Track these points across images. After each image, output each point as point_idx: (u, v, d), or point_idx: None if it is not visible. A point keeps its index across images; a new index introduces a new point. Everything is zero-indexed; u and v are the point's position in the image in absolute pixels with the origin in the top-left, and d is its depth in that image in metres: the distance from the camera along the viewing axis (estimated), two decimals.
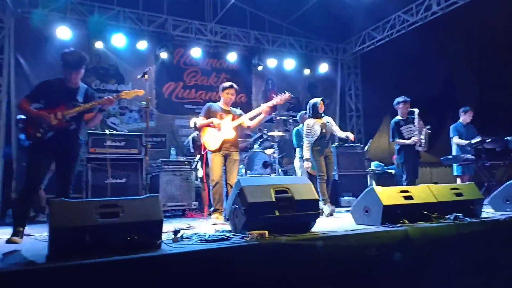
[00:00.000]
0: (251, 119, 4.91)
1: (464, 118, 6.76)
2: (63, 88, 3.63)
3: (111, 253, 2.37)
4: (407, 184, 5.61)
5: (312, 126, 5.43)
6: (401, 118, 6.04)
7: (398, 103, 6.05)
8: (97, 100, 3.70)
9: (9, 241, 3.06)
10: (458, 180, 6.64)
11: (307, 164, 5.44)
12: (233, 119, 4.84)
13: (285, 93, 4.90)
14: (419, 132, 5.78)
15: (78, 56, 3.71)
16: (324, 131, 5.40)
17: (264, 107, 4.77)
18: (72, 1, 7.90)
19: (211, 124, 4.76)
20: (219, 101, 5.05)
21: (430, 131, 5.88)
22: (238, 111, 5.07)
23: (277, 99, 4.86)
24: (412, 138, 5.80)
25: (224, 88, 4.93)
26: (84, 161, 5.72)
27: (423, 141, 5.76)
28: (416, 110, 5.90)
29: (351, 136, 5.45)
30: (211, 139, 4.75)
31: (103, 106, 3.75)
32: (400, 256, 3.06)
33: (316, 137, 5.38)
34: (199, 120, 4.91)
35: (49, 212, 2.55)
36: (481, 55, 7.65)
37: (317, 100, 5.55)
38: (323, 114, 5.57)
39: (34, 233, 3.70)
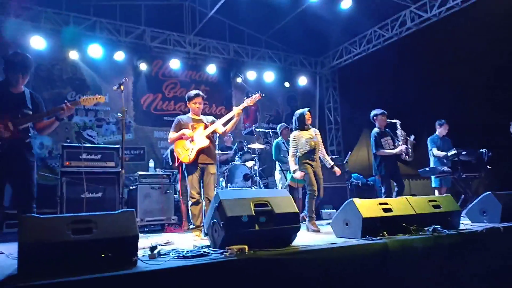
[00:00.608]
0: (224, 124, 4.73)
1: (440, 130, 6.92)
2: (9, 95, 3.28)
3: (84, 271, 2.26)
4: (386, 196, 5.58)
5: (298, 139, 5.07)
6: (380, 129, 6.01)
7: (376, 115, 6.04)
8: (54, 108, 3.45)
9: None
10: (436, 192, 6.76)
11: (299, 174, 4.97)
12: (205, 128, 4.66)
13: (255, 93, 4.81)
14: (404, 143, 5.75)
15: (25, 58, 3.42)
16: (313, 143, 5.02)
17: (236, 110, 4.60)
18: (47, 10, 7.74)
19: (183, 136, 4.58)
20: (188, 113, 4.85)
21: (415, 142, 5.90)
22: (210, 118, 4.86)
23: (247, 101, 4.74)
24: (399, 148, 5.73)
25: (190, 98, 4.72)
26: (58, 175, 5.54)
27: (410, 151, 5.73)
28: (398, 122, 5.92)
29: (338, 171, 5.25)
30: (185, 151, 4.55)
31: (61, 114, 3.44)
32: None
33: (305, 151, 5.00)
34: (170, 135, 4.70)
35: (18, 228, 2.42)
36: (454, 69, 7.89)
37: (304, 110, 5.20)
38: (310, 126, 5.21)
39: (3, 250, 3.53)
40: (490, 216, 4.50)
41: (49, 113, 3.44)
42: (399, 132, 5.86)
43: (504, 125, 6.53)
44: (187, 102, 4.79)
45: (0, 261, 3.09)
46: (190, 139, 4.57)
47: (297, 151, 5.08)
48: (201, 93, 4.79)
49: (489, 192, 4.69)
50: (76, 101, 3.54)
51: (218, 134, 5.00)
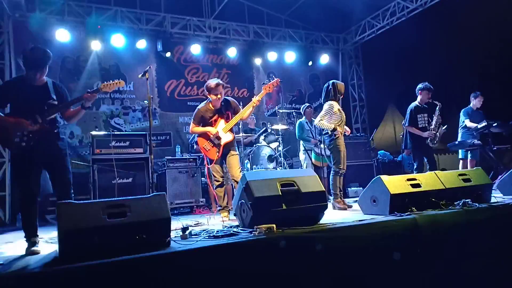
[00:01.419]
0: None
1: (475, 103, 6.71)
2: (32, 88, 3.33)
3: (120, 253, 2.38)
4: (417, 172, 5.47)
5: (333, 106, 4.95)
6: (419, 104, 5.86)
7: (421, 89, 5.85)
8: (78, 97, 3.48)
9: (30, 253, 2.95)
10: (461, 163, 6.62)
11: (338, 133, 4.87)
12: (226, 121, 4.71)
13: (273, 78, 4.83)
14: (435, 127, 5.66)
15: (42, 53, 3.37)
16: (344, 116, 5.05)
17: (255, 101, 4.58)
18: (69, 3, 7.88)
19: (208, 133, 4.68)
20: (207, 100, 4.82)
21: (446, 131, 5.78)
22: (233, 102, 4.83)
23: (265, 88, 4.72)
24: (427, 133, 5.67)
25: (211, 89, 4.63)
26: (89, 163, 5.74)
27: (437, 138, 5.65)
28: (439, 105, 5.77)
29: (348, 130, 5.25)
30: (212, 148, 4.67)
31: (85, 102, 3.46)
32: (399, 256, 3.02)
33: (339, 123, 4.93)
34: (192, 127, 4.82)
35: (57, 215, 2.55)
36: (482, 39, 7.57)
37: (338, 81, 5.18)
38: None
39: (43, 235, 3.72)
40: None
41: (74, 103, 3.48)
42: (436, 116, 5.73)
43: None
44: (208, 92, 4.70)
45: (42, 246, 3.27)
46: (215, 136, 4.66)
47: (333, 119, 4.94)
48: (220, 81, 4.73)
49: None
50: (97, 89, 3.54)
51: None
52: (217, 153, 4.65)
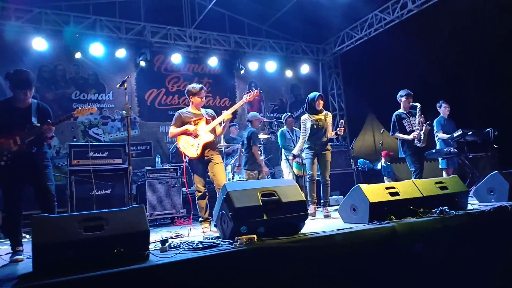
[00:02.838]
0: (220, 124, 4.71)
1: (442, 111, 6.87)
2: (14, 110, 3.54)
3: (97, 267, 2.31)
4: (416, 176, 5.46)
5: (305, 122, 5.26)
6: (403, 111, 5.89)
7: (401, 96, 5.89)
8: (39, 127, 3.56)
9: (14, 261, 3.19)
10: (444, 173, 6.74)
11: (290, 158, 5.37)
12: (207, 123, 4.67)
13: (253, 90, 4.80)
14: (419, 128, 5.68)
15: (26, 75, 3.55)
16: (315, 127, 5.17)
17: (228, 112, 4.58)
18: (46, 11, 7.76)
19: (186, 131, 4.60)
20: (188, 106, 4.84)
21: (430, 127, 5.82)
22: (210, 111, 4.87)
23: (246, 97, 4.74)
24: (412, 134, 5.67)
25: (196, 93, 4.69)
26: (66, 174, 5.61)
27: (422, 137, 5.63)
28: (418, 105, 5.77)
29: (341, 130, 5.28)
30: (190, 146, 4.58)
31: (45, 131, 3.57)
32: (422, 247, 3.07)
33: (309, 135, 5.20)
34: (172, 130, 4.71)
35: (31, 229, 2.48)
36: (457, 49, 7.81)
37: (315, 94, 5.32)
38: (322, 109, 5.32)
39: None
40: (497, 195, 4.51)
41: (38, 130, 3.58)
42: (417, 116, 5.74)
43: (508, 104, 6.48)
44: (191, 96, 4.73)
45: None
46: (194, 135, 4.59)
47: (305, 133, 5.24)
48: (203, 86, 4.81)
49: (496, 171, 4.68)
50: (71, 114, 3.77)
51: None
52: (196, 151, 4.52)
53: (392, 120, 5.90)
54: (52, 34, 7.86)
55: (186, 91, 4.81)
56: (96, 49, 8.13)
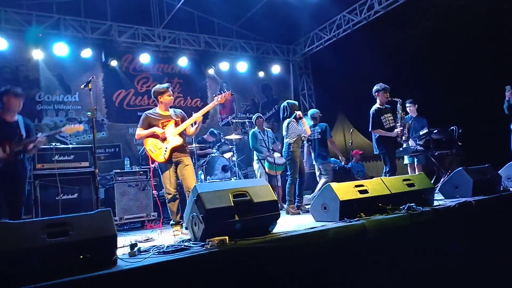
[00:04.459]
0: (193, 124, 4.62)
1: (411, 110, 7.05)
2: (3, 124, 4.05)
3: (62, 275, 2.22)
4: (390, 175, 5.42)
5: (291, 126, 5.54)
6: (379, 106, 5.79)
7: (378, 90, 5.77)
8: (33, 139, 4.19)
9: None
10: (409, 168, 6.93)
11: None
12: (176, 125, 4.55)
13: (225, 91, 4.71)
14: (401, 124, 5.57)
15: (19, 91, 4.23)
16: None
17: (202, 111, 4.54)
18: (6, 9, 7.43)
19: (154, 133, 4.45)
20: (155, 107, 4.70)
21: (411, 123, 5.83)
22: (178, 111, 4.76)
23: (217, 99, 4.64)
24: (395, 130, 5.58)
25: (163, 92, 4.55)
26: (31, 179, 5.38)
27: (406, 134, 5.57)
28: (399, 101, 5.70)
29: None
30: (158, 150, 4.45)
31: (38, 144, 4.21)
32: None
33: (296, 138, 5.52)
34: (138, 132, 4.55)
35: None
36: (422, 49, 8.06)
37: (295, 103, 5.86)
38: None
39: None
40: (462, 191, 4.65)
41: (31, 142, 4.16)
42: (399, 112, 5.66)
43: (472, 103, 6.73)
44: (159, 95, 4.57)
45: None
46: (162, 138, 4.46)
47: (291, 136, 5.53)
48: (169, 84, 4.71)
49: (461, 168, 4.84)
50: (57, 131, 4.57)
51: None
52: (164, 156, 4.38)
53: (371, 116, 5.76)
54: (13, 33, 7.53)
55: (152, 92, 4.66)
56: (61, 49, 7.85)
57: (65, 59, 8.06)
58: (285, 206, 6.83)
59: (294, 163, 5.53)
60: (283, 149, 5.73)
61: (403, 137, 5.57)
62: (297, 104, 5.94)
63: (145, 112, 4.66)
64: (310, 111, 7.33)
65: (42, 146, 5.59)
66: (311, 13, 8.92)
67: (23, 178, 4.18)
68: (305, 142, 6.95)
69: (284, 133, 5.68)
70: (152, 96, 4.70)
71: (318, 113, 7.20)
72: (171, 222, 4.55)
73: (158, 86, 4.67)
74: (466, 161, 6.44)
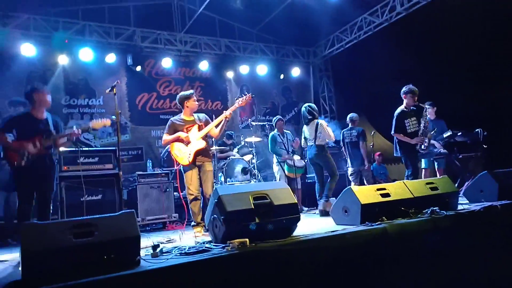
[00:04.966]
0: (217, 126, 4.76)
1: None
2: (34, 120, 4.18)
3: (88, 274, 2.29)
4: (412, 178, 5.28)
5: (321, 129, 5.70)
6: (405, 108, 5.60)
7: (406, 93, 5.57)
8: (69, 132, 4.33)
9: None
10: (423, 173, 6.74)
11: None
12: (199, 129, 4.72)
13: (246, 95, 4.83)
14: (423, 132, 5.41)
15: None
16: None
17: (227, 113, 4.67)
18: (35, 17, 7.70)
19: (179, 138, 4.64)
20: (180, 113, 4.89)
21: (435, 133, 5.58)
22: (202, 115, 4.92)
23: (238, 102, 4.78)
24: (416, 139, 5.40)
25: (188, 97, 4.75)
26: (57, 180, 5.54)
27: (426, 144, 5.39)
28: (426, 107, 5.54)
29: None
30: (183, 154, 4.63)
31: (72, 136, 4.33)
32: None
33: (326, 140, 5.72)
34: (165, 137, 4.76)
35: (21, 236, 2.45)
36: (446, 51, 7.90)
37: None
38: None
39: (7, 258, 3.57)
40: (487, 195, 4.54)
41: (65, 135, 4.32)
42: (423, 119, 5.48)
43: (497, 104, 6.56)
44: (184, 101, 4.76)
45: (5, 269, 3.12)
46: (186, 142, 4.63)
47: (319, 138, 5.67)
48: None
49: (486, 171, 4.73)
50: (86, 126, 4.51)
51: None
52: (188, 159, 4.56)
53: (395, 118, 5.62)
54: (41, 39, 7.79)
55: (178, 98, 4.83)
56: (86, 54, 8.07)
57: (90, 64, 8.28)
58: (304, 209, 6.83)
59: (331, 161, 5.68)
60: (313, 152, 5.73)
61: (423, 146, 5.39)
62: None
63: (171, 119, 4.86)
64: (350, 115, 7.44)
65: (68, 149, 5.79)
66: (331, 15, 8.87)
67: (52, 173, 4.28)
68: (341, 144, 7.28)
69: (312, 135, 5.71)
70: (178, 102, 4.87)
71: (357, 117, 7.37)
72: (192, 223, 4.63)
73: (183, 92, 4.87)
74: (491, 164, 6.28)
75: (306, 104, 6.01)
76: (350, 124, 7.32)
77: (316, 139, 5.68)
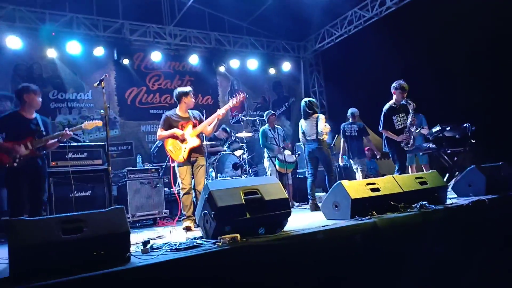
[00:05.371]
0: (209, 124, 4.88)
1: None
2: (24, 120, 4.14)
3: (77, 271, 2.26)
4: (400, 173, 5.35)
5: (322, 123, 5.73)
6: (393, 104, 5.65)
7: (396, 88, 5.60)
8: (60, 133, 4.29)
9: None
10: (424, 170, 6.85)
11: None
12: (194, 126, 4.79)
13: (239, 94, 4.97)
14: (409, 131, 5.45)
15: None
16: None
17: (220, 112, 4.78)
18: (20, 8, 7.53)
19: (174, 134, 4.69)
20: (174, 108, 4.94)
21: (419, 131, 5.66)
22: (196, 112, 5.00)
23: (232, 101, 4.90)
24: (401, 136, 5.46)
25: (187, 93, 4.81)
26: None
27: (412, 142, 5.44)
28: (412, 106, 5.52)
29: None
30: (177, 150, 4.70)
31: (63, 137, 4.31)
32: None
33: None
34: (159, 132, 4.81)
35: (8, 232, 2.41)
36: (435, 46, 7.94)
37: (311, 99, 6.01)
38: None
39: None
40: (475, 189, 4.60)
41: (56, 136, 4.28)
42: (410, 117, 5.50)
43: (486, 99, 6.62)
44: (182, 97, 4.80)
45: None
46: (181, 139, 4.68)
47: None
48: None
49: (473, 165, 4.78)
50: (78, 127, 4.52)
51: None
52: (183, 155, 4.63)
53: (383, 114, 5.67)
54: (27, 32, 7.64)
55: (177, 93, 4.87)
56: (73, 47, 7.94)
57: (78, 57, 8.15)
58: (295, 204, 6.86)
59: (330, 157, 5.81)
60: (314, 146, 5.78)
61: (408, 145, 5.45)
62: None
63: (166, 113, 4.88)
64: (350, 110, 7.57)
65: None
66: (322, 9, 8.84)
67: (44, 173, 4.30)
68: (342, 138, 7.47)
69: (313, 130, 5.75)
70: (175, 97, 4.91)
71: (358, 112, 7.50)
72: (182, 216, 4.66)
73: (182, 88, 4.93)
74: (480, 159, 6.36)
75: (306, 99, 6.04)
76: (350, 119, 7.46)
77: (318, 133, 5.70)
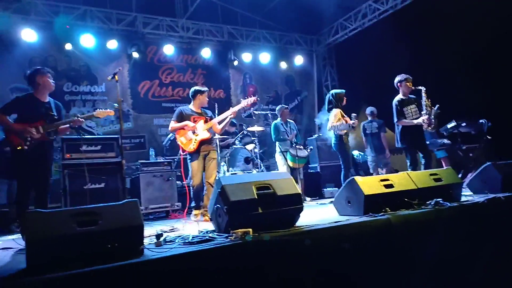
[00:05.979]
0: (220, 122, 5.12)
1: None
2: (37, 103, 4.08)
3: (91, 263, 2.29)
4: (412, 169, 5.28)
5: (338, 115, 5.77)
6: (403, 97, 5.61)
7: (400, 81, 5.60)
8: (72, 119, 4.27)
9: None
10: (443, 164, 6.77)
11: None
12: (205, 122, 5.02)
13: (251, 97, 5.25)
14: (427, 112, 5.33)
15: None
16: None
17: (230, 112, 5.00)
18: (35, 2, 7.60)
19: (185, 127, 4.91)
20: (189, 103, 5.19)
21: (439, 111, 5.44)
22: (209, 112, 5.26)
23: (243, 103, 5.14)
24: (421, 118, 5.34)
25: (203, 92, 5.08)
26: (60, 168, 5.54)
27: (433, 122, 5.31)
28: (423, 89, 5.44)
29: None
30: (188, 141, 4.92)
31: (75, 123, 4.28)
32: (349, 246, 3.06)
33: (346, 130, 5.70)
34: (172, 124, 5.05)
35: (25, 224, 2.45)
36: (451, 39, 7.79)
37: (341, 91, 6.07)
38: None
39: (11, 245, 3.58)
40: (491, 187, 4.51)
41: (68, 122, 4.26)
42: (424, 100, 5.40)
43: (503, 95, 6.49)
44: (197, 94, 5.06)
45: (9, 256, 3.13)
46: (193, 131, 4.91)
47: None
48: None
49: (489, 162, 4.70)
50: (90, 115, 4.46)
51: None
52: (193, 146, 4.84)
53: (394, 106, 5.59)
54: (42, 25, 7.72)
55: (193, 90, 5.14)
56: (87, 40, 8.01)
57: (92, 50, 8.22)
58: (307, 199, 6.84)
59: (348, 154, 5.79)
60: (332, 141, 5.87)
61: (431, 126, 5.31)
62: (343, 92, 6.10)
63: (180, 107, 5.15)
64: (369, 108, 7.81)
65: (71, 136, 5.78)
66: (336, 2, 8.75)
67: (50, 157, 4.20)
68: (362, 135, 7.70)
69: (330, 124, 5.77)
70: (190, 94, 5.16)
71: (376, 110, 7.77)
72: (193, 205, 4.94)
73: (199, 87, 5.22)
74: (496, 155, 6.24)
75: (332, 91, 6.14)
76: (370, 117, 7.74)
77: (331, 129, 5.77)
